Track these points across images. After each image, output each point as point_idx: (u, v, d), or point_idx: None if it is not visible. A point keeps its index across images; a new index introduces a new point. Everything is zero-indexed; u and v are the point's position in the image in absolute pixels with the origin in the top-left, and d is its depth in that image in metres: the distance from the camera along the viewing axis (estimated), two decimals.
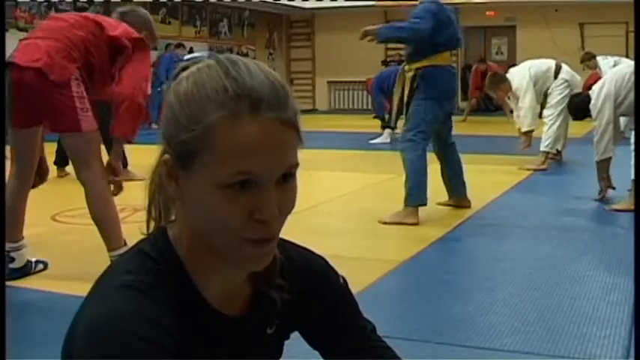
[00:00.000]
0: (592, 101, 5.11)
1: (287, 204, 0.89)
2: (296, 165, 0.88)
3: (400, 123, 5.08)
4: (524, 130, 7.15)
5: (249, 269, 0.94)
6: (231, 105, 0.84)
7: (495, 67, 13.84)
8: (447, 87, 4.91)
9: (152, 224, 0.98)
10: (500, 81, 7.25)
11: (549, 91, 6.99)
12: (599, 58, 8.96)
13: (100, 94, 3.39)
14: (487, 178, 6.26)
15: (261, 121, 0.84)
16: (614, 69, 5.37)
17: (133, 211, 4.25)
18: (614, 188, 5.26)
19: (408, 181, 4.69)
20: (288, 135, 0.87)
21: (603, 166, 5.19)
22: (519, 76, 7.08)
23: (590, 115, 5.24)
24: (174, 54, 12.91)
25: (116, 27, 3.38)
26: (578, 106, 5.41)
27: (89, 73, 3.27)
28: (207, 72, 0.87)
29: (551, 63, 7.13)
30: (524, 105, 7.02)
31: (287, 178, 0.88)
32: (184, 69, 0.90)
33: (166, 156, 0.90)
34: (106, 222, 3.28)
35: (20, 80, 3.15)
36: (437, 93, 4.77)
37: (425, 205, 4.68)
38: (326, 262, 1.10)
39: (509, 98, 7.44)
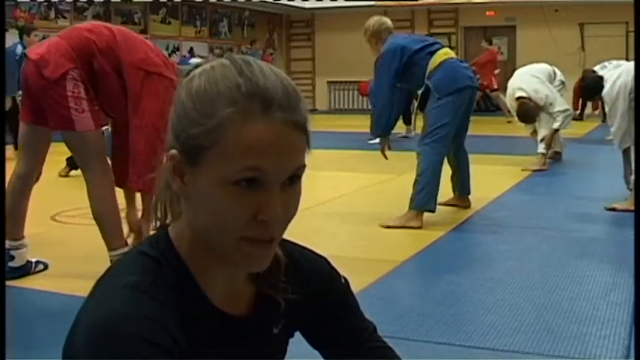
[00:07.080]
0: (606, 89, 4.99)
1: (291, 208, 0.89)
2: (303, 166, 0.88)
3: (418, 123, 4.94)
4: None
5: (248, 270, 0.94)
6: (243, 102, 0.85)
7: (495, 50, 14.09)
8: (457, 76, 4.72)
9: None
10: (534, 112, 6.84)
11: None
12: (596, 68, 8.64)
13: (112, 107, 3.31)
14: (487, 178, 6.24)
15: (271, 122, 0.85)
16: (628, 63, 5.27)
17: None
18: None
19: (418, 184, 4.57)
20: (298, 138, 0.87)
21: (628, 154, 4.95)
22: (541, 91, 6.75)
23: (596, 96, 5.16)
24: None
25: (135, 50, 3.23)
26: (591, 87, 5.36)
27: (91, 78, 3.21)
28: (221, 70, 0.88)
29: (549, 67, 7.11)
30: (562, 108, 6.76)
31: (293, 179, 0.88)
32: (197, 67, 0.91)
33: (173, 151, 0.90)
34: (106, 222, 3.28)
35: (24, 72, 3.25)
36: (449, 89, 4.63)
37: (433, 211, 4.63)
38: (329, 263, 1.11)
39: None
